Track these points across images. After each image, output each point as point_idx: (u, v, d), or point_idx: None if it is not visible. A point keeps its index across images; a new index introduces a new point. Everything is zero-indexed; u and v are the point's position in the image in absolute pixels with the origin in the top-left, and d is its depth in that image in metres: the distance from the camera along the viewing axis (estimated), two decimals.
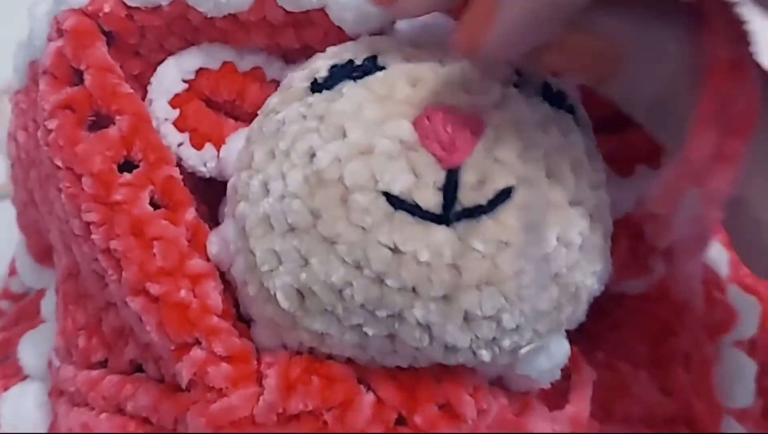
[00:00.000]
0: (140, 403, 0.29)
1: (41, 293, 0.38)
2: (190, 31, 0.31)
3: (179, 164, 0.30)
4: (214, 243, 0.29)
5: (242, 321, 0.29)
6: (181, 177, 0.30)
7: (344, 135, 0.25)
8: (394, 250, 0.24)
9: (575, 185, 0.25)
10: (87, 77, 0.30)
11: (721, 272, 0.35)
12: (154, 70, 0.31)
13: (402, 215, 0.24)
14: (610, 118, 0.29)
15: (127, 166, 0.29)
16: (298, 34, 0.30)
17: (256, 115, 0.29)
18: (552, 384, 0.29)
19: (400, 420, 0.27)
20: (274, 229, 0.25)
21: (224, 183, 0.30)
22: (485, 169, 0.24)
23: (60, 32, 0.30)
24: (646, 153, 0.30)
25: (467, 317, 0.25)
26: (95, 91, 0.30)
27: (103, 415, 0.30)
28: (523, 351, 0.26)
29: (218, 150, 0.30)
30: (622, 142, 0.30)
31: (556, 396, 0.30)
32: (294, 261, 0.25)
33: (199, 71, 0.31)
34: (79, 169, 0.29)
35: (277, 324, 0.27)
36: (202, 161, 0.30)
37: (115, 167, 0.29)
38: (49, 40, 0.31)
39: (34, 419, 0.34)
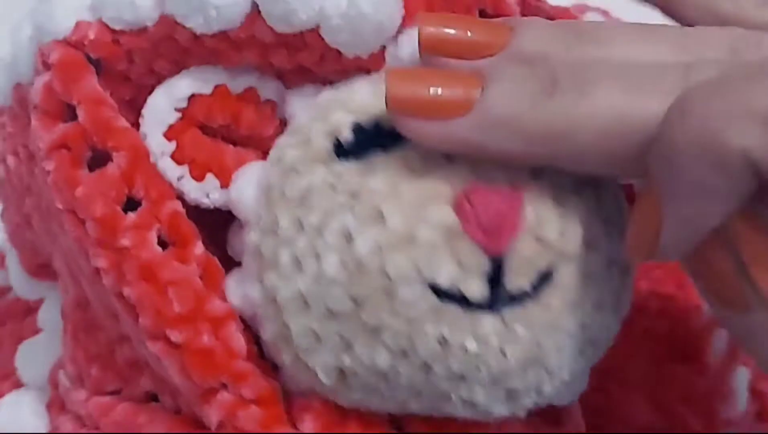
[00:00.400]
0: (157, 431, 0.30)
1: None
2: (179, 52, 0.30)
3: (180, 197, 0.30)
4: (235, 295, 0.28)
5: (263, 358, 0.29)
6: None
7: (382, 218, 0.24)
8: (442, 341, 0.24)
9: (610, 246, 0.25)
10: (80, 112, 0.29)
11: None
12: (146, 94, 0.30)
13: (448, 307, 0.24)
14: None
15: (130, 204, 0.29)
16: (290, 55, 0.29)
17: (252, 138, 0.29)
18: None
19: None
20: (311, 309, 0.25)
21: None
22: (528, 251, 0.24)
23: (46, 65, 0.29)
24: None
25: (510, 394, 0.25)
26: (89, 126, 0.29)
27: None
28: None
29: (219, 179, 0.30)
30: None
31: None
32: (335, 343, 0.25)
33: (192, 98, 0.30)
34: (81, 213, 0.28)
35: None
36: (205, 192, 0.29)
37: (118, 208, 0.28)
38: (36, 73, 0.30)
39: (30, 426, 0.35)
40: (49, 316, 0.36)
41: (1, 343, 0.39)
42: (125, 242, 0.28)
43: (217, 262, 0.29)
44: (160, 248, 0.28)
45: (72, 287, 0.32)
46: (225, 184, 0.30)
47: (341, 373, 0.25)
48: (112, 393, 0.32)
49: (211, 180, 0.30)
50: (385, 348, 0.24)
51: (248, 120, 0.30)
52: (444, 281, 0.24)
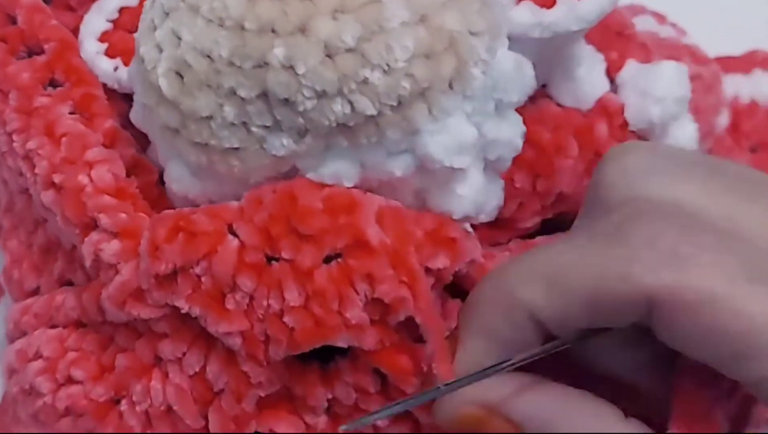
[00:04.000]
0: (68, 306, 0.30)
1: None
2: None
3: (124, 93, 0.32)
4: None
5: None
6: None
7: None
8: None
9: None
10: (19, 18, 0.33)
11: None
12: None
13: None
14: None
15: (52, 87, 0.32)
16: None
17: None
18: None
19: (274, 258, 0.26)
20: (155, 25, 0.27)
21: None
22: None
23: None
24: None
25: (329, 53, 0.25)
26: (25, 27, 0.33)
27: (37, 332, 0.31)
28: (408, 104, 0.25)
29: None
30: None
31: None
32: (170, 44, 0.26)
33: (121, 10, 0.33)
34: (6, 87, 0.31)
35: (171, 136, 0.27)
36: None
37: (40, 85, 0.31)
38: None
39: None
40: None
41: None
42: (37, 105, 0.31)
43: (129, 137, 0.31)
44: (68, 115, 0.31)
45: (3, 195, 0.35)
46: None
47: (179, 77, 0.26)
48: (31, 293, 0.33)
49: None
50: (205, 21, 0.26)
51: None
52: None
